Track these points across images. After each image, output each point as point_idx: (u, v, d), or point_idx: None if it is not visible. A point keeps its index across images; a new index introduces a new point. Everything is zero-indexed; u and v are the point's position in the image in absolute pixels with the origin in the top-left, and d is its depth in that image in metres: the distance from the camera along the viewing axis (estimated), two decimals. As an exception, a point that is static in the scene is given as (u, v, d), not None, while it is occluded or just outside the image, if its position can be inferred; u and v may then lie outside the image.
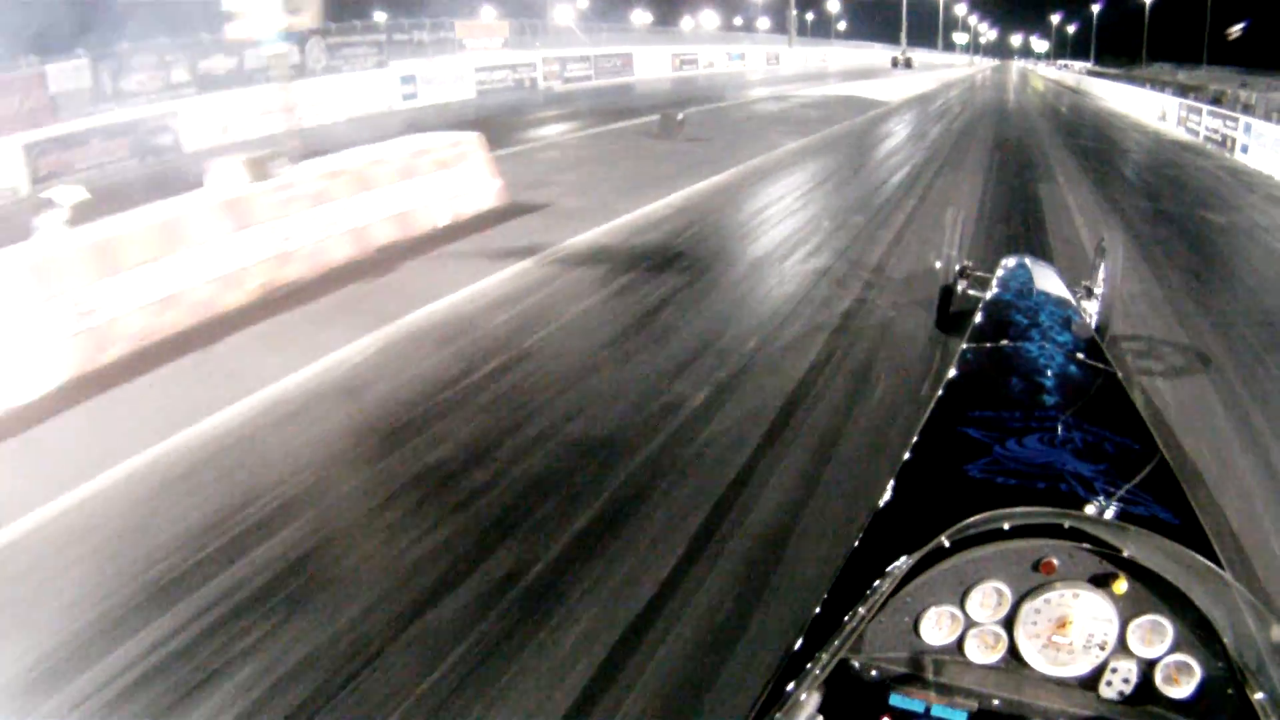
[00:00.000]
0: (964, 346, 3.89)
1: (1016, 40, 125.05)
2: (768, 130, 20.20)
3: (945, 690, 1.94)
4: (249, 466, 4.94)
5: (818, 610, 1.99)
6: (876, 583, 1.90)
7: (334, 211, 8.98)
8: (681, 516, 4.27)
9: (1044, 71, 79.90)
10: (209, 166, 8.99)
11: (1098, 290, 6.08)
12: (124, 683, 3.26)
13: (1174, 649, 1.89)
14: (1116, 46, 74.08)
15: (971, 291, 6.18)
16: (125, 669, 3.32)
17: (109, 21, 22.13)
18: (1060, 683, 1.96)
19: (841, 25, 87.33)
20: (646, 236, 10.20)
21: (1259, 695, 1.76)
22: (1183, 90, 29.83)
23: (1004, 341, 3.83)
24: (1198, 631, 1.87)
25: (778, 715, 1.74)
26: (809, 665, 1.80)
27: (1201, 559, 1.87)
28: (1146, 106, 29.04)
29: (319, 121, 21.08)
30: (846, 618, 1.87)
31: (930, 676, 1.96)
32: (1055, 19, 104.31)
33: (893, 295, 7.91)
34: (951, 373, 3.47)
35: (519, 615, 3.56)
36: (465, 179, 10.86)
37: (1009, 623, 1.96)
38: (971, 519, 1.93)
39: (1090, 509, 2.14)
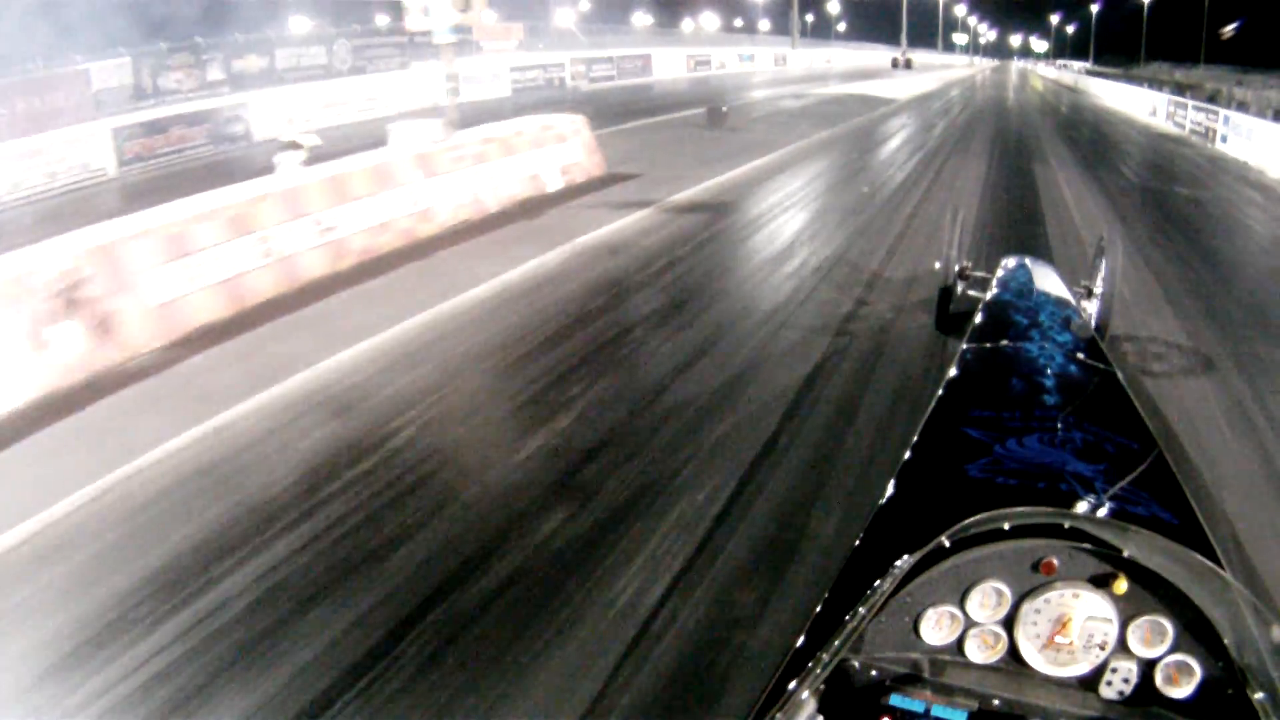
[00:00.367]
0: (964, 346, 3.95)
1: (1016, 40, 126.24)
2: (796, 123, 22.69)
3: (945, 690, 1.97)
4: (533, 307, 7.87)
5: (818, 609, 2.02)
6: (877, 582, 1.93)
7: (489, 170, 11.87)
8: (812, 331, 7.28)
9: (1043, 71, 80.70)
10: (390, 129, 11.96)
11: (1097, 290, 6.19)
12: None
13: (1174, 649, 1.91)
14: (1115, 46, 74.61)
15: (971, 292, 6.27)
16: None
17: (218, 16, 24.18)
18: (1060, 683, 1.97)
19: (841, 26, 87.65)
20: (729, 195, 13.16)
21: (1259, 695, 1.78)
22: (1179, 89, 30.52)
23: (1004, 341, 3.89)
24: (1198, 631, 1.88)
25: (778, 715, 1.78)
26: (809, 665, 1.83)
27: (1201, 559, 1.88)
28: (1139, 103, 30.95)
29: (384, 112, 22.73)
30: (847, 617, 1.90)
31: (930, 676, 2.00)
32: (1054, 19, 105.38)
33: (937, 209, 11.46)
34: (951, 373, 3.52)
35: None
36: (576, 151, 13.78)
37: (1009, 623, 1.98)
38: (971, 519, 1.96)
39: (1091, 509, 2.17)
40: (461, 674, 3.43)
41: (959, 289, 6.73)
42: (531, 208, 12.07)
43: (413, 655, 3.53)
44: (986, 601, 1.96)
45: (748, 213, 12.29)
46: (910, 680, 1.98)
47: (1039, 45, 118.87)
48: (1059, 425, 2.72)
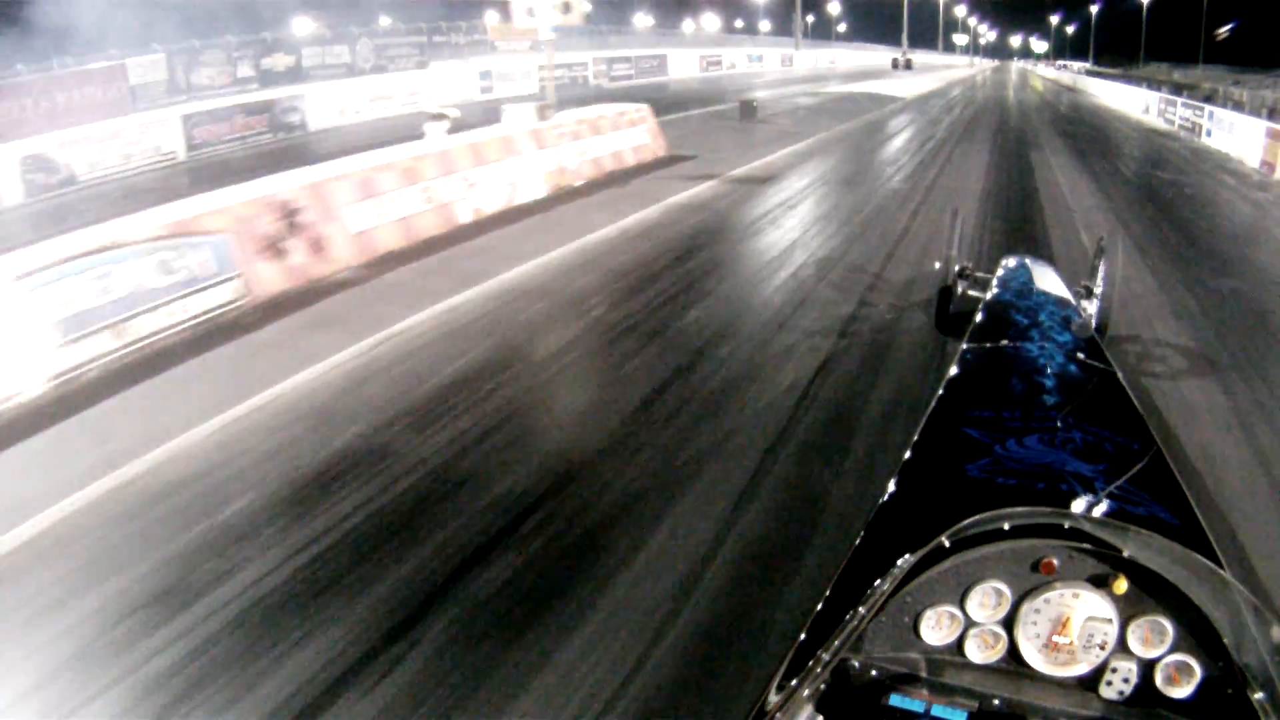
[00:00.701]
0: (964, 346, 4.01)
1: (1016, 41, 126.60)
2: (816, 117, 24.94)
3: (945, 690, 2.01)
4: (651, 243, 10.31)
5: (818, 609, 2.07)
6: (877, 582, 1.98)
7: (582, 146, 14.27)
8: (874, 251, 9.90)
9: (1043, 71, 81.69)
10: (504, 109, 14.55)
11: (1097, 290, 6.23)
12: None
13: (1174, 649, 1.94)
14: (1115, 46, 75.16)
15: (971, 292, 6.34)
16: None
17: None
18: (1060, 683, 2.01)
19: (841, 27, 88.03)
20: (776, 172, 15.48)
21: (1259, 695, 1.81)
22: (1177, 89, 31.24)
23: (1004, 341, 3.97)
24: (1198, 631, 1.92)
25: (778, 715, 1.83)
26: (809, 664, 1.88)
27: (1201, 559, 1.92)
28: (1133, 101, 32.65)
29: (427, 106, 24.65)
30: (847, 617, 1.94)
31: (930, 676, 2.04)
32: (1054, 20, 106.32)
33: (949, 182, 14.35)
34: (952, 372, 3.59)
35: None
36: (645, 135, 16.19)
37: (1009, 623, 2.02)
38: (971, 519, 2.00)
39: (1090, 509, 2.21)
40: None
41: (959, 289, 6.77)
42: (617, 178, 14.55)
43: (685, 369, 6.57)
44: (986, 601, 2.00)
45: (796, 184, 14.52)
46: (910, 680, 2.02)
47: (1039, 46, 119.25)
48: (1059, 425, 2.77)
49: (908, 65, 58.39)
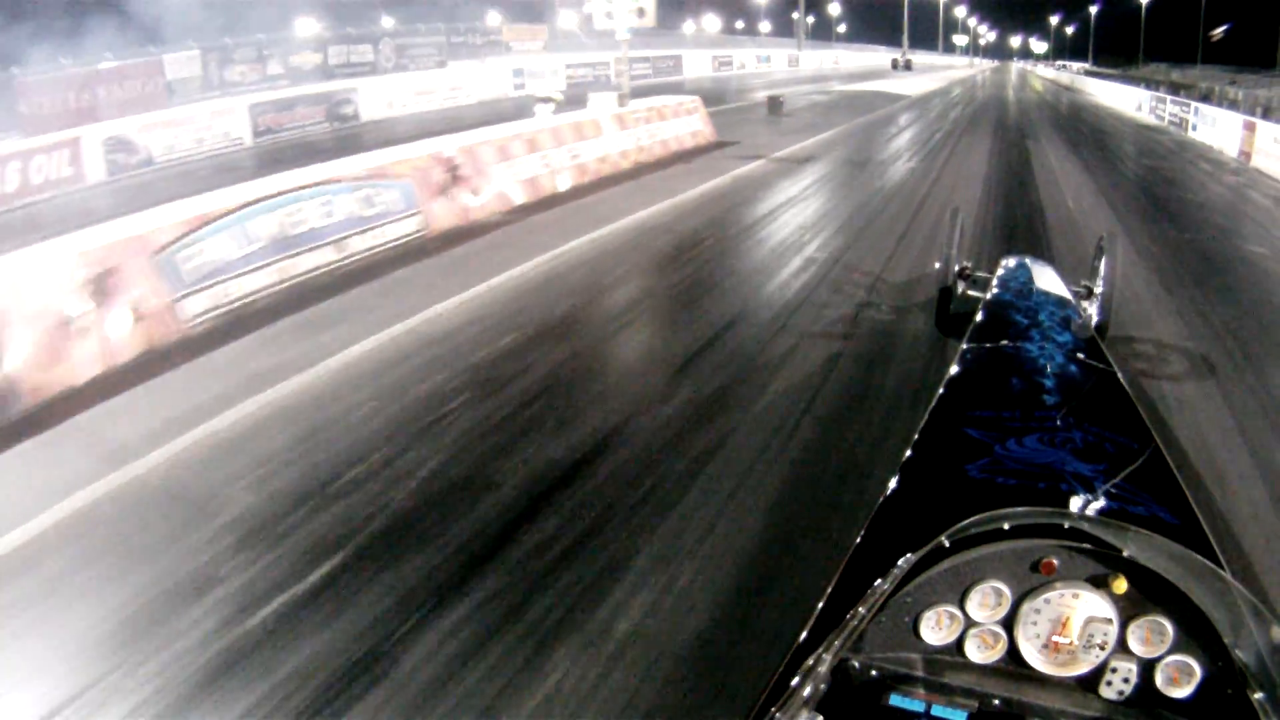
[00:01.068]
0: (964, 346, 4.10)
1: (1016, 41, 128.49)
2: (833, 112, 27.11)
3: (945, 690, 2.03)
4: (734, 201, 12.76)
5: (818, 609, 2.10)
6: (877, 582, 2.02)
7: (652, 129, 16.58)
8: (902, 210, 12.31)
9: (1042, 72, 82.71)
10: (590, 97, 17.04)
11: (1097, 290, 6.31)
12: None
13: (1174, 649, 1.97)
14: (1114, 47, 77.20)
15: (972, 292, 6.41)
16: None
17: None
18: (1060, 683, 2.04)
19: (841, 28, 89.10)
20: (811, 154, 17.73)
21: (1259, 695, 1.84)
22: (1175, 88, 32.29)
23: (1004, 341, 4.05)
24: (1198, 631, 1.94)
25: (777, 714, 1.85)
26: (809, 664, 1.91)
27: (1201, 559, 1.95)
28: (1127, 99, 34.42)
29: (466, 100, 28.51)
30: (847, 617, 1.98)
31: (930, 676, 2.07)
32: (1054, 20, 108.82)
33: (958, 164, 16.66)
34: (952, 372, 3.65)
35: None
36: (698, 122, 18.48)
37: (1009, 623, 2.04)
38: (971, 519, 2.03)
39: (1090, 509, 2.25)
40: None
41: (959, 289, 6.83)
42: (681, 157, 16.87)
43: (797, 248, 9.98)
44: (986, 601, 2.03)
45: (830, 163, 16.86)
46: (910, 680, 2.05)
47: (1038, 46, 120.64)
48: (1059, 425, 2.84)
49: (907, 66, 59.88)
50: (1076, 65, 78.18)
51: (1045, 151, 19.61)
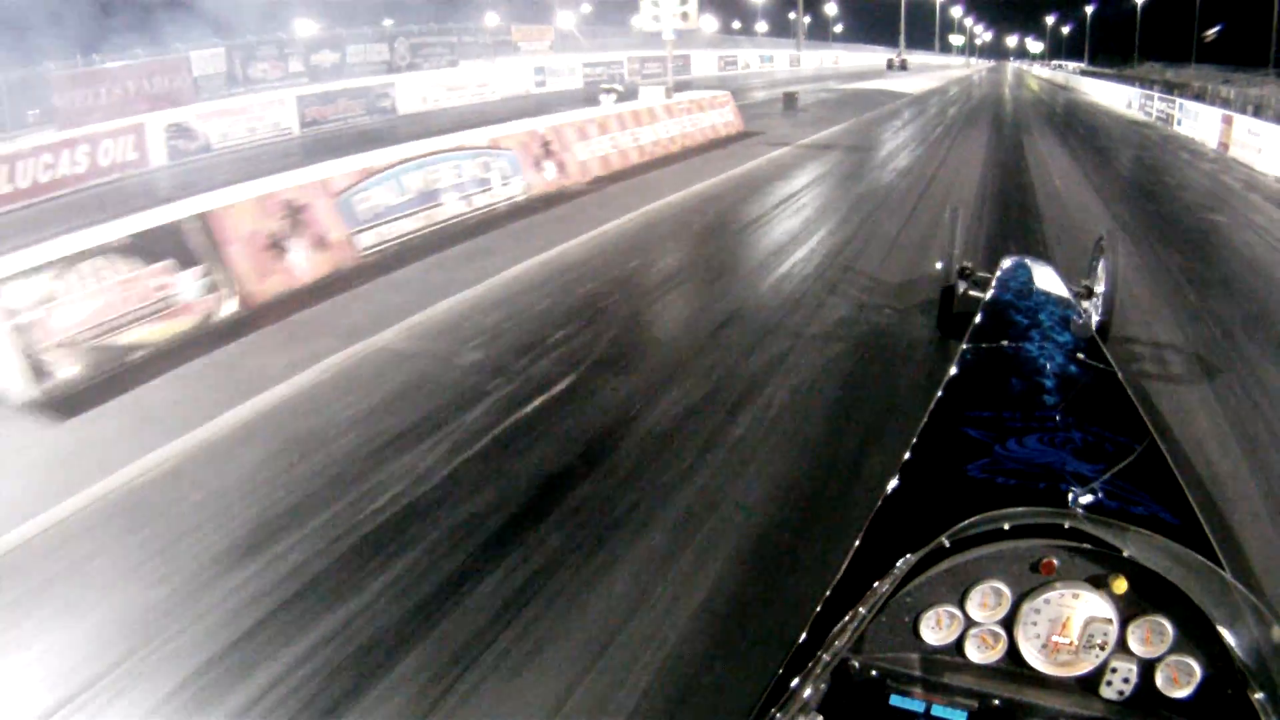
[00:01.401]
0: (964, 346, 4.14)
1: (1012, 41, 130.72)
2: (841, 108, 28.66)
3: (945, 690, 2.08)
4: (777, 178, 14.48)
5: (818, 609, 2.12)
6: (876, 583, 2.04)
7: (693, 119, 18.34)
8: (911, 187, 13.87)
9: (1038, 71, 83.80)
10: (640, 90, 19.61)
11: (1097, 289, 6.46)
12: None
13: (1174, 649, 2.01)
14: (1110, 46, 78.52)
15: (972, 292, 6.48)
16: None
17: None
18: (1060, 683, 2.07)
19: (838, 28, 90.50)
20: (831, 142, 19.55)
21: (1259, 695, 1.88)
22: (1169, 87, 33.03)
23: (1004, 341, 4.11)
24: (1198, 631, 1.98)
25: (777, 715, 1.88)
26: (809, 664, 1.94)
27: (1201, 559, 1.98)
28: (1119, 97, 35.72)
29: (492, 96, 30.40)
30: (847, 617, 2.00)
31: (930, 676, 2.11)
32: (1050, 20, 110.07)
33: (959, 152, 18.23)
34: (952, 372, 3.69)
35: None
36: (730, 114, 20.14)
37: (1008, 623, 2.08)
38: (971, 519, 2.07)
39: (1090, 509, 2.24)
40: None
41: (960, 289, 6.82)
42: (718, 143, 18.44)
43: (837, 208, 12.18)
44: (986, 601, 2.08)
45: (848, 149, 18.55)
46: (910, 680, 2.10)
47: (1034, 46, 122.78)
48: (1059, 425, 2.90)
49: (903, 66, 60.71)
50: (1072, 65, 78.87)
51: (1037, 141, 21.43)
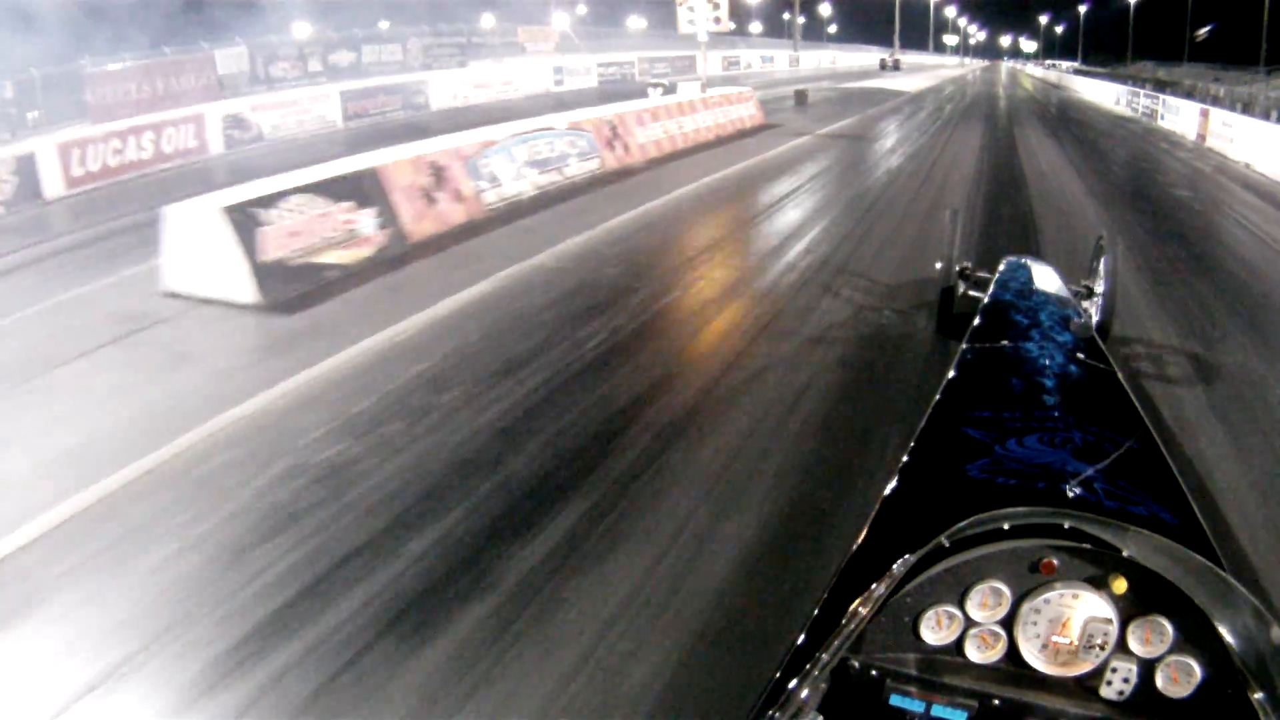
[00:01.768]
0: (964, 346, 4.17)
1: (1006, 41, 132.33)
2: (846, 105, 30.36)
3: (945, 690, 2.11)
4: (805, 161, 16.47)
5: (818, 609, 2.14)
6: (876, 583, 2.07)
7: (724, 111, 20.14)
8: (917, 169, 15.66)
9: (1031, 70, 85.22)
10: (679, 85, 22.51)
11: (1097, 289, 6.55)
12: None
13: (1174, 649, 2.03)
14: (1103, 46, 79.33)
15: (972, 292, 6.56)
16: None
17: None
18: (1060, 683, 2.10)
19: (832, 29, 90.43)
20: (843, 132, 21.48)
21: (1259, 695, 1.91)
22: (1160, 85, 33.95)
23: (1004, 341, 4.16)
24: (1198, 631, 2.00)
25: (777, 715, 1.91)
26: (809, 665, 1.96)
27: (1201, 559, 2.00)
28: (1107, 95, 37.34)
29: (515, 94, 32.00)
30: (846, 617, 2.03)
31: (930, 676, 2.15)
32: (1044, 20, 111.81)
33: (959, 140, 20.32)
34: (951, 373, 3.72)
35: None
36: (752, 107, 21.92)
37: (1008, 623, 2.11)
38: (971, 519, 2.10)
39: (1090, 509, 2.26)
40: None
41: (960, 289, 6.90)
42: (745, 133, 20.30)
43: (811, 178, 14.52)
44: (986, 601, 2.11)
45: (859, 137, 20.66)
46: (910, 680, 2.13)
47: (1028, 46, 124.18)
48: (1059, 425, 2.94)
49: (895, 66, 61.29)
50: (1066, 64, 79.78)
51: (1027, 133, 23.33)
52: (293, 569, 4.16)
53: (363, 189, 9.71)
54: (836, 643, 1.99)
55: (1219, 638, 2.00)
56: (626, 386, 6.16)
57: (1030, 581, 2.12)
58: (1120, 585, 2.06)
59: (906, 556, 2.09)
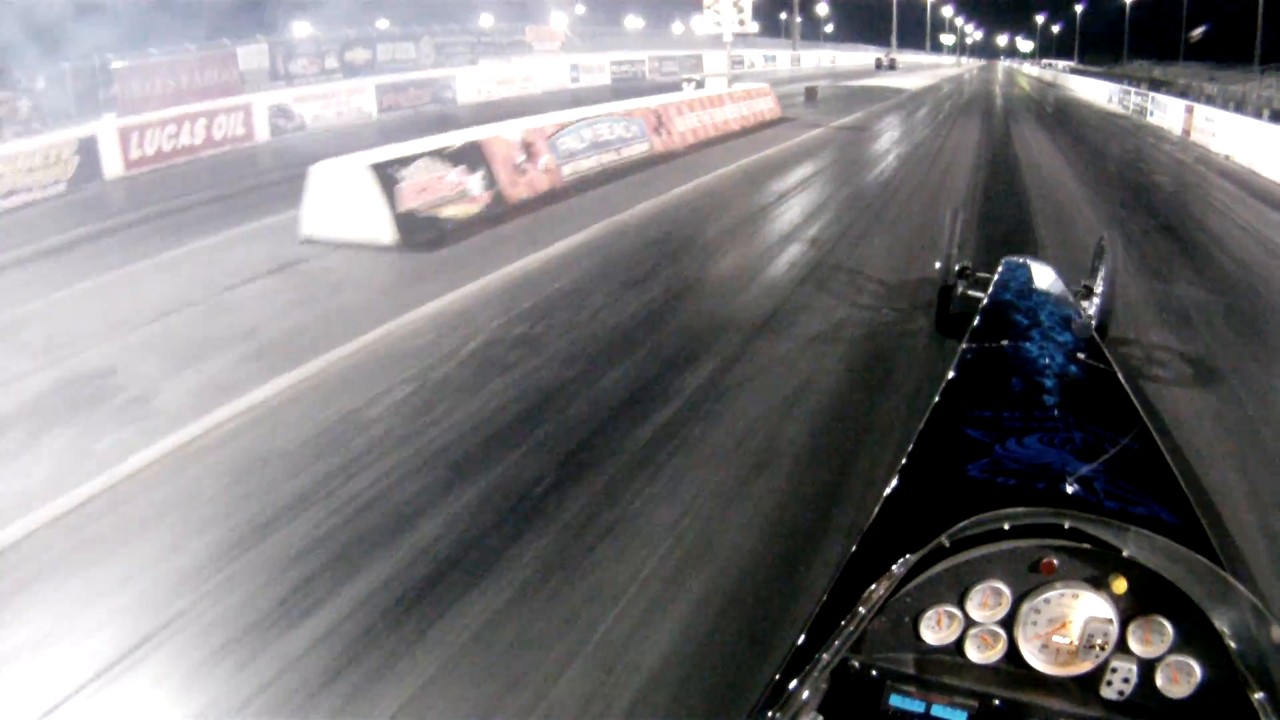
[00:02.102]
0: (964, 346, 4.20)
1: (1002, 40, 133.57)
2: (851, 101, 31.75)
3: (945, 690, 2.13)
4: (824, 150, 18.14)
5: (818, 609, 2.16)
6: (876, 583, 2.10)
7: (746, 104, 21.57)
8: (923, 156, 17.23)
9: (1027, 70, 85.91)
10: (706, 81, 25.20)
11: (1097, 290, 6.56)
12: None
13: (1174, 649, 2.05)
14: (1099, 45, 79.97)
15: (972, 292, 6.56)
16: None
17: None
18: (1060, 683, 2.12)
19: (829, 28, 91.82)
20: (853, 125, 23.05)
21: (1259, 695, 1.92)
22: (1155, 84, 34.45)
23: (1004, 341, 4.19)
24: (1198, 631, 2.02)
25: (777, 715, 1.92)
26: (809, 665, 1.98)
27: (1201, 559, 2.01)
28: (1100, 93, 38.42)
29: (535, 91, 33.52)
30: (846, 617, 2.04)
31: (930, 676, 2.17)
32: (1040, 19, 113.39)
33: (959, 134, 21.65)
34: (951, 373, 3.75)
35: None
36: (771, 102, 23.26)
37: (1008, 623, 2.13)
38: (971, 519, 2.12)
39: (1090, 509, 2.28)
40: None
41: (959, 289, 6.98)
42: (766, 125, 21.55)
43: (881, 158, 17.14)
44: (986, 601, 2.13)
45: (867, 129, 22.17)
46: (910, 680, 2.15)
47: (1025, 45, 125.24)
48: (1059, 425, 2.96)
49: (891, 65, 61.70)
50: (1062, 63, 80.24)
51: (1022, 128, 24.76)
52: (519, 396, 5.86)
53: (471, 157, 11.50)
54: (837, 643, 2.00)
55: (1219, 638, 2.00)
56: (720, 296, 8.10)
57: (1030, 581, 2.13)
58: (1120, 585, 2.07)
59: (907, 556, 2.11)
